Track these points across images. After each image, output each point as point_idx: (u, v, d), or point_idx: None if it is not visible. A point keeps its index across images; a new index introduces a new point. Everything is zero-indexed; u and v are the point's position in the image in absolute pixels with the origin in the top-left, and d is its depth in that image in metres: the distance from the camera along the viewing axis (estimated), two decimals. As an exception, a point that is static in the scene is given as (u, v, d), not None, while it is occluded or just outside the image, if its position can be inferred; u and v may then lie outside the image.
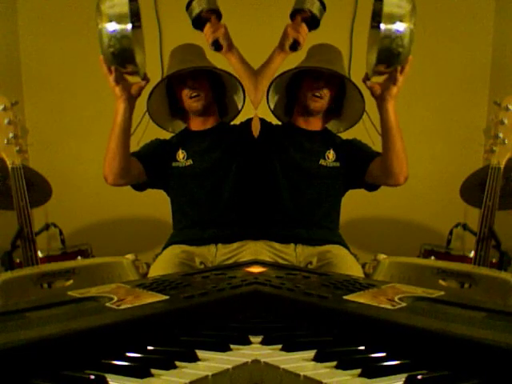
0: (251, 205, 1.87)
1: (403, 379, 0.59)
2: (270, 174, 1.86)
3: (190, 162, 1.86)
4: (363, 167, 1.81)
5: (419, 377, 0.60)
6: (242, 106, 1.92)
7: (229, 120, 1.98)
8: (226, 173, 1.85)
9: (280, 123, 1.99)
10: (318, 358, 0.66)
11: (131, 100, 1.60)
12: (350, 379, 0.60)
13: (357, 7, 2.69)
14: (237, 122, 1.98)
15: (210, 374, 0.60)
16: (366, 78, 1.61)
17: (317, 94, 1.79)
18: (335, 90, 1.84)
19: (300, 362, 0.65)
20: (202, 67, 1.80)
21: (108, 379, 0.59)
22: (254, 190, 1.87)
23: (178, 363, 0.65)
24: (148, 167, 1.82)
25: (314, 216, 1.85)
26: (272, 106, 1.94)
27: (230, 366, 0.62)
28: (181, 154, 1.86)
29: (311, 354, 0.67)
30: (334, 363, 0.65)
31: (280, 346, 0.71)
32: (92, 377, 0.59)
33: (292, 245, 1.81)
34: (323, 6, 1.72)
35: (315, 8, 1.72)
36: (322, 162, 1.85)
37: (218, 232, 1.83)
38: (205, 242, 1.82)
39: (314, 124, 1.90)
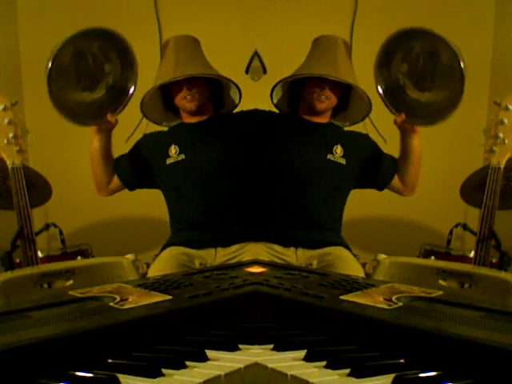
0: (250, 203, 1.82)
1: (392, 379, 0.58)
2: (273, 169, 1.82)
3: (182, 156, 1.81)
4: (386, 182, 1.92)
5: (407, 376, 0.59)
6: (239, 102, 1.87)
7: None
8: (223, 168, 1.81)
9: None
10: (308, 358, 0.66)
11: (100, 133, 1.79)
12: (337, 379, 0.60)
13: (357, 2, 2.68)
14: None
15: (222, 373, 0.60)
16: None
17: (322, 96, 1.77)
18: (341, 88, 1.79)
19: (289, 361, 0.65)
20: (196, 75, 1.74)
21: (120, 379, 0.58)
22: (254, 187, 1.82)
23: (188, 363, 0.64)
24: (126, 182, 1.92)
25: (316, 216, 1.81)
26: (275, 102, 1.89)
27: (241, 366, 0.62)
28: (173, 149, 1.83)
29: (302, 353, 0.67)
30: (324, 363, 0.64)
31: (271, 346, 0.70)
32: (104, 376, 0.59)
33: (292, 248, 1.79)
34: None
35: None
36: (329, 156, 1.81)
37: (217, 234, 1.79)
38: (204, 245, 1.79)
39: (320, 119, 1.86)
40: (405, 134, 1.80)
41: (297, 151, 1.81)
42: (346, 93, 1.83)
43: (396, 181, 1.91)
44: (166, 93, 1.84)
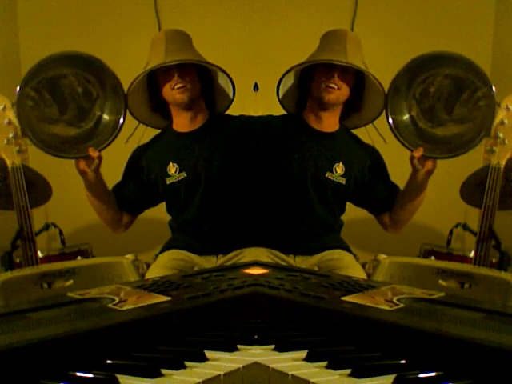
0: (252, 211, 1.79)
1: (392, 379, 0.59)
2: (273, 179, 1.77)
3: (183, 175, 1.74)
4: (381, 211, 1.87)
5: (408, 377, 0.59)
6: (232, 100, 1.80)
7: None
8: (224, 181, 1.76)
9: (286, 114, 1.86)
10: (309, 358, 0.66)
11: (86, 175, 1.69)
12: (338, 379, 0.60)
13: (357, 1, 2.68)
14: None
15: (221, 373, 0.60)
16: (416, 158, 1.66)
17: (331, 84, 1.64)
18: (352, 82, 1.69)
19: (290, 361, 0.65)
20: (190, 61, 1.66)
21: (119, 379, 0.59)
22: (255, 195, 1.78)
23: (187, 363, 0.64)
24: (130, 210, 1.90)
25: (314, 224, 1.79)
26: (283, 102, 1.81)
27: (240, 366, 0.62)
28: (172, 168, 1.75)
29: (303, 354, 0.67)
30: (325, 363, 0.64)
31: (273, 346, 0.70)
32: (103, 377, 0.59)
33: (292, 255, 1.77)
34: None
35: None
36: (328, 174, 1.73)
37: (219, 242, 1.78)
38: (205, 253, 1.77)
39: (328, 122, 1.77)
40: (416, 173, 1.68)
41: (297, 166, 1.73)
42: (358, 90, 1.73)
43: (385, 215, 1.87)
44: (153, 91, 1.75)
